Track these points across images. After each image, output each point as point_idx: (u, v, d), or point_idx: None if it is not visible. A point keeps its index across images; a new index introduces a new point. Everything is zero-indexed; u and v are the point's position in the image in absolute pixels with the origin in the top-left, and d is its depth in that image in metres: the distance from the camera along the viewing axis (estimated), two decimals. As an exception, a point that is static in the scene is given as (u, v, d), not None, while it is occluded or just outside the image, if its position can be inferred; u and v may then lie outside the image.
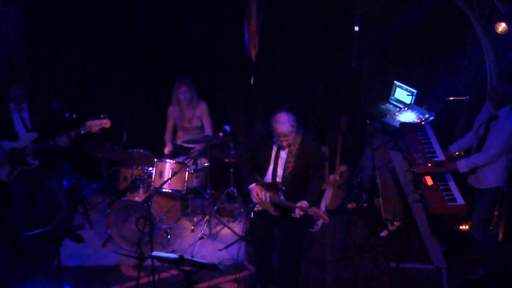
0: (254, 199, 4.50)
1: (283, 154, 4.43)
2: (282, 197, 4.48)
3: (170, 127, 6.05)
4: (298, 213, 4.34)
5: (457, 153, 5.08)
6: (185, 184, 5.53)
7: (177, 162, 5.54)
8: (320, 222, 5.70)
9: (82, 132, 4.94)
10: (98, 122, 4.94)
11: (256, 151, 4.51)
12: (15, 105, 4.96)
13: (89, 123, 4.93)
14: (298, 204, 4.34)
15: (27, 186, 5.23)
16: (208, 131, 5.95)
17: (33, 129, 4.99)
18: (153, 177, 5.49)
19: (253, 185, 4.51)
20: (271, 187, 4.49)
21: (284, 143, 4.32)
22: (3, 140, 4.97)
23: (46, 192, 5.38)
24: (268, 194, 4.47)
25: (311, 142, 4.40)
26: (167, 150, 6.02)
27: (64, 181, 6.39)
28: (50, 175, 5.24)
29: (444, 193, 4.58)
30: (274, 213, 4.49)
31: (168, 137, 6.07)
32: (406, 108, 5.81)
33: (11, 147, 4.97)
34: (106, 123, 4.97)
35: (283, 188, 4.45)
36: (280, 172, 4.46)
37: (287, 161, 4.41)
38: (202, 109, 5.93)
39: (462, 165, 4.65)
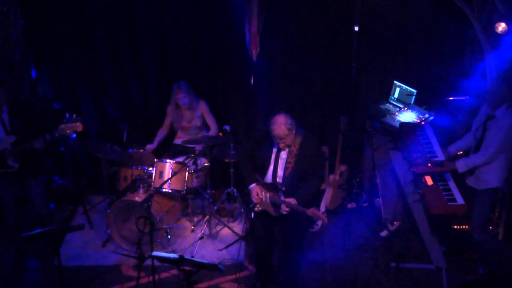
0: (254, 199, 4.50)
1: (283, 155, 4.43)
2: (282, 198, 4.48)
3: (166, 124, 6.06)
4: (284, 209, 4.36)
5: (458, 153, 5.08)
6: (185, 184, 5.53)
7: (177, 162, 5.54)
8: (320, 222, 5.70)
9: (57, 135, 4.91)
10: (70, 125, 4.92)
11: (257, 152, 4.52)
12: None
13: (62, 126, 4.91)
14: (287, 200, 4.35)
15: (14, 188, 5.16)
16: (213, 128, 5.96)
17: (12, 132, 4.95)
18: (153, 177, 5.49)
19: (253, 185, 4.51)
20: (272, 187, 4.49)
21: (281, 145, 4.33)
22: None
23: (25, 196, 5.29)
24: (268, 195, 4.47)
25: (311, 143, 4.40)
26: (149, 147, 5.97)
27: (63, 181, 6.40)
28: (31, 177, 5.17)
29: (444, 193, 4.59)
30: (274, 213, 4.49)
31: (159, 133, 6.06)
32: (406, 108, 5.81)
33: None
34: (78, 126, 4.93)
35: (283, 188, 4.45)
36: (280, 172, 4.46)
37: (287, 162, 4.41)
38: (202, 108, 5.93)
39: (461, 165, 4.66)
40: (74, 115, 5.03)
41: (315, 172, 4.45)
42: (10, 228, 5.30)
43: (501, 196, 5.35)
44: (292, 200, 4.37)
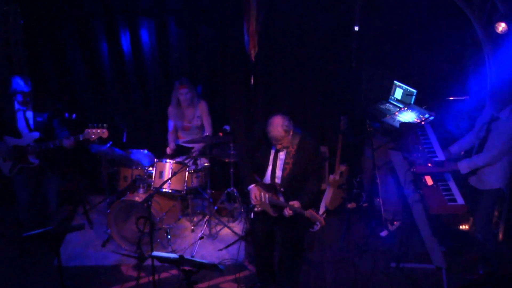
0: (253, 201, 4.50)
1: (282, 155, 4.41)
2: (281, 198, 4.47)
3: (172, 127, 6.06)
4: (287, 212, 4.35)
5: (461, 153, 5.06)
6: (185, 184, 5.53)
7: (177, 162, 5.54)
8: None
9: (81, 139, 5.01)
10: (96, 131, 5.00)
11: (255, 152, 4.51)
12: (20, 105, 5.03)
13: (88, 130, 5.00)
14: (291, 203, 4.35)
15: (31, 183, 5.28)
16: (208, 130, 5.96)
17: (36, 129, 5.06)
18: (153, 177, 5.49)
19: (252, 186, 4.50)
20: (270, 188, 4.48)
21: (278, 146, 4.32)
22: (8, 135, 5.06)
23: (41, 191, 5.41)
24: (267, 195, 4.47)
25: (309, 143, 4.39)
26: (169, 149, 6.02)
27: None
28: (49, 173, 5.28)
29: (444, 193, 4.59)
30: (273, 214, 4.49)
31: (171, 136, 6.07)
32: (406, 108, 5.81)
33: (15, 143, 5.06)
34: (104, 133, 5.03)
35: (282, 189, 4.44)
36: (278, 173, 4.45)
37: (285, 162, 4.40)
38: (202, 108, 5.93)
39: (464, 166, 4.64)
40: (74, 115, 5.06)
41: (314, 172, 4.44)
42: (19, 224, 5.35)
43: (501, 196, 5.34)
44: (295, 203, 4.36)
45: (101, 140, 5.14)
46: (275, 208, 4.47)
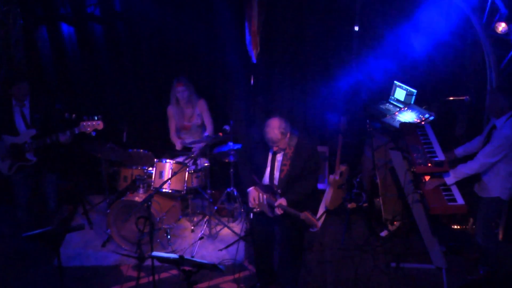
0: (250, 204, 4.51)
1: (279, 157, 4.42)
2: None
3: (173, 127, 6.06)
4: (278, 211, 4.37)
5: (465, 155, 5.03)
6: (185, 184, 5.53)
7: (177, 162, 5.54)
8: (319, 222, 5.69)
9: (77, 132, 5.00)
10: (91, 123, 4.98)
11: (254, 154, 4.51)
12: (17, 102, 5.04)
13: (83, 123, 4.99)
14: (277, 202, 4.35)
15: (29, 182, 5.29)
16: (209, 128, 5.96)
17: (33, 126, 5.07)
18: (153, 177, 5.49)
19: (251, 188, 4.50)
20: (268, 189, 4.48)
21: (275, 148, 4.32)
22: (4, 134, 5.06)
23: (40, 191, 5.40)
24: (265, 196, 4.47)
25: (306, 145, 4.39)
26: (178, 146, 6.00)
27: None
28: (47, 172, 5.28)
29: (444, 193, 4.58)
30: (270, 214, 4.49)
31: (174, 136, 6.07)
32: (406, 108, 5.81)
33: (12, 142, 5.07)
34: (98, 124, 5.01)
35: (279, 190, 4.44)
36: (276, 175, 4.45)
37: (282, 164, 4.40)
38: (201, 106, 5.93)
39: (450, 178, 4.60)
40: (74, 115, 5.06)
41: (311, 174, 4.43)
42: (17, 224, 5.35)
43: (500, 205, 5.31)
44: (282, 201, 4.36)
45: (97, 132, 5.11)
46: (272, 209, 4.48)
